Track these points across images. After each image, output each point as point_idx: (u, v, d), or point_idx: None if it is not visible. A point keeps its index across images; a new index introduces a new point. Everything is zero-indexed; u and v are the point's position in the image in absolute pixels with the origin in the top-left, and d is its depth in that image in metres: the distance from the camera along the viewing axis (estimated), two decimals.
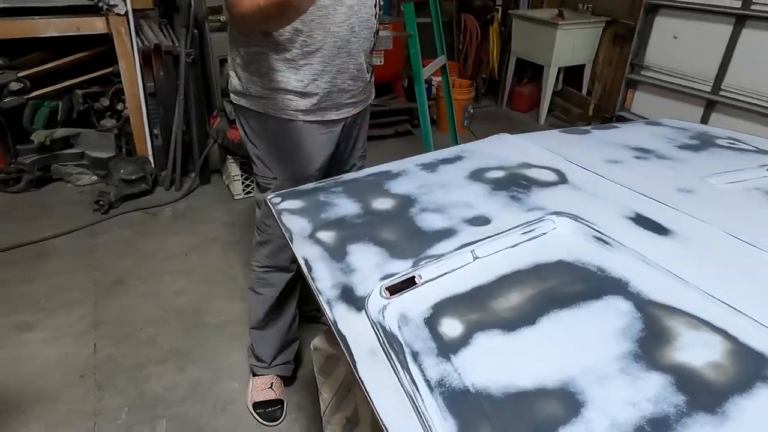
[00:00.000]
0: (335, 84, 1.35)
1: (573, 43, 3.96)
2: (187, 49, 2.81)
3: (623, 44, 3.96)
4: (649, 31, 3.74)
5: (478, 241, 0.86)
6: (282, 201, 1.07)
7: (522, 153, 1.22)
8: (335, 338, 0.72)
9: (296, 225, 0.97)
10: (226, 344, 1.98)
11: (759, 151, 1.25)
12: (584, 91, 4.26)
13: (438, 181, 1.10)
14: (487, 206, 0.98)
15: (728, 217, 0.91)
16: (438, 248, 0.86)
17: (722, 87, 3.37)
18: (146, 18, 3.22)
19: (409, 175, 1.15)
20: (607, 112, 4.17)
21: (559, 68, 4.10)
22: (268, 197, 1.10)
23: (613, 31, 4.01)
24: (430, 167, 1.18)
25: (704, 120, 3.51)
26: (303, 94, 1.34)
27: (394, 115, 3.92)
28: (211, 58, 3.01)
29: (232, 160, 2.89)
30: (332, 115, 1.41)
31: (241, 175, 2.96)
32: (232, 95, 1.43)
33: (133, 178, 2.94)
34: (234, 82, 1.41)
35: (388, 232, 0.92)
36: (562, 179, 1.07)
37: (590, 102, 4.03)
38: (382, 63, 3.72)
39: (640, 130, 1.42)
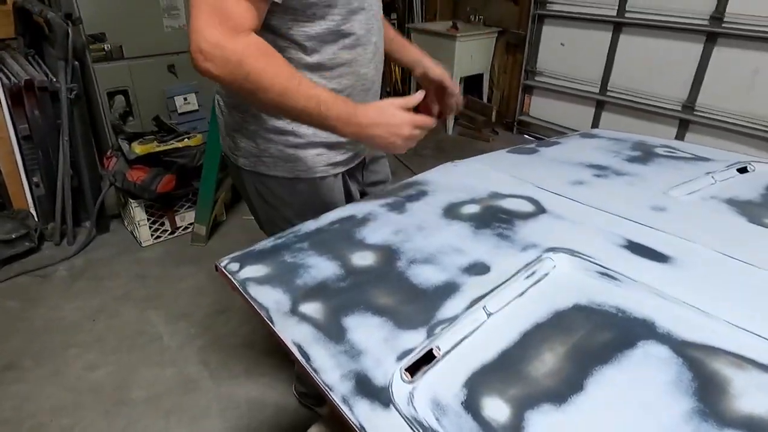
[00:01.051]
0: None
1: (471, 54, 4.10)
2: (69, 84, 2.45)
3: (516, 52, 4.17)
4: (539, 40, 3.98)
5: (485, 295, 0.78)
6: (241, 268, 0.91)
7: (486, 181, 1.17)
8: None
9: (270, 299, 0.83)
10: (162, 421, 1.72)
11: (696, 157, 1.32)
12: (485, 98, 4.43)
13: (413, 224, 1.01)
14: (477, 250, 0.91)
15: (709, 233, 0.93)
16: (446, 309, 0.76)
17: (608, 88, 3.67)
18: (8, 49, 2.79)
19: (378, 218, 1.04)
20: (508, 117, 4.37)
21: (461, 78, 4.22)
22: (222, 264, 0.94)
23: (505, 40, 4.22)
24: (397, 207, 1.09)
25: (596, 118, 3.80)
26: (333, 145, 1.17)
27: None
28: (97, 91, 2.68)
29: (136, 204, 2.58)
30: (356, 159, 1.28)
31: (148, 219, 2.65)
32: (240, 160, 1.20)
33: (13, 237, 2.51)
34: (242, 144, 1.18)
35: (384, 296, 0.81)
36: (540, 208, 1.03)
37: (492, 109, 4.19)
38: None
39: (583, 144, 1.44)
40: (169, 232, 2.74)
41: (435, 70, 1.28)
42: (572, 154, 1.35)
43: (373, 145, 1.03)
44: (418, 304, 0.78)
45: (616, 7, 3.43)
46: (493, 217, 1.01)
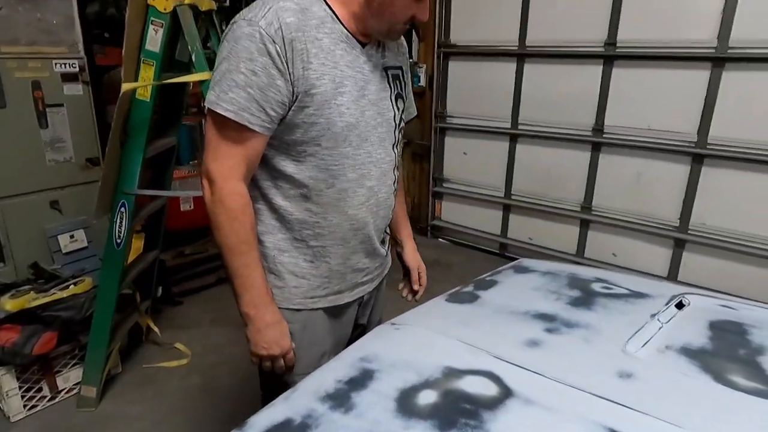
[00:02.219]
0: (349, 265, 1.22)
1: None
2: None
3: (422, 161, 4.34)
4: (442, 150, 4.17)
5: None
6: None
7: (436, 352, 1.04)
8: None
9: None
10: None
11: (633, 293, 1.31)
12: None
13: (365, 429, 0.84)
14: None
15: (687, 407, 0.86)
16: None
17: (512, 192, 3.87)
18: None
19: (321, 424, 0.86)
20: (421, 223, 4.43)
21: None
22: None
23: (411, 150, 4.38)
24: (342, 402, 0.91)
25: (504, 221, 3.96)
26: (313, 278, 1.20)
27: (215, 260, 3.50)
28: None
29: (3, 371, 2.12)
30: (345, 298, 1.26)
31: (20, 387, 2.18)
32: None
33: None
34: None
35: None
36: (504, 389, 0.91)
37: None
38: (192, 208, 3.34)
39: (521, 285, 1.39)
40: (48, 398, 2.28)
41: (408, 256, 1.48)
42: (514, 300, 1.28)
43: (250, 336, 1.13)
44: None
45: (510, 121, 3.72)
46: (457, 410, 0.87)
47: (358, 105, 1.09)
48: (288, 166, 1.10)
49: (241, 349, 2.71)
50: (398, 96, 1.21)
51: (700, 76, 2.92)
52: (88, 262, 2.68)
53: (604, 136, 3.33)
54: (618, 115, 3.26)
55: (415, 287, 1.49)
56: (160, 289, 2.97)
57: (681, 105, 3.01)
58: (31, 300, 2.16)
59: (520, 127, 3.70)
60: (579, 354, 1.03)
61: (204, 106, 1.07)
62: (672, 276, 3.24)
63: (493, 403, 0.88)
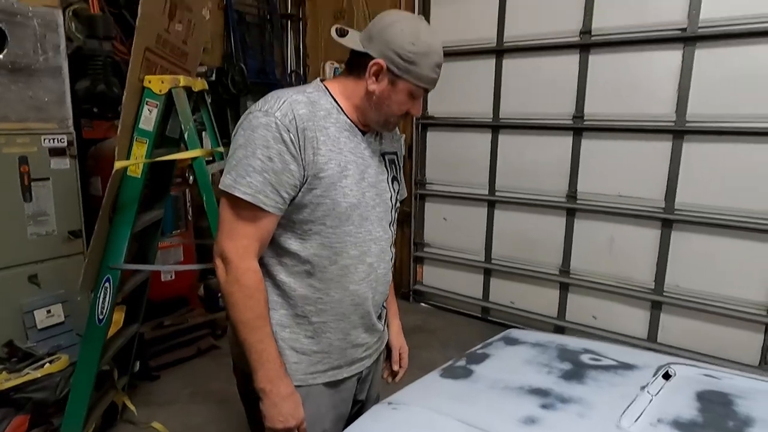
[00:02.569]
0: (349, 340, 1.26)
1: None
2: None
3: (403, 227, 4.41)
4: (423, 215, 4.27)
5: None
6: None
7: None
8: None
9: None
10: None
11: (621, 365, 1.34)
12: None
13: None
14: None
15: None
16: None
17: (492, 257, 3.94)
18: None
19: None
20: (404, 287, 4.44)
21: None
22: None
23: None
24: None
25: (485, 285, 4.00)
26: (313, 353, 1.23)
27: (195, 331, 3.42)
28: None
29: None
30: (344, 373, 1.28)
31: None
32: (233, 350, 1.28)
33: None
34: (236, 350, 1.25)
35: None
36: None
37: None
38: (173, 278, 3.30)
39: (512, 358, 1.42)
40: None
41: (392, 336, 1.49)
42: (507, 374, 1.30)
43: (266, 411, 1.14)
44: None
45: (487, 188, 3.86)
46: None
47: (359, 187, 1.18)
48: (293, 243, 1.16)
49: (225, 427, 2.61)
50: (394, 178, 1.32)
51: (663, 146, 3.12)
52: (65, 338, 2.58)
53: (577, 202, 3.47)
54: (589, 182, 3.42)
55: (395, 368, 1.50)
56: (137, 364, 2.87)
57: (648, 173, 3.19)
58: (3, 381, 2.07)
59: (497, 193, 3.83)
60: (575, 430, 1.05)
61: (218, 188, 1.15)
62: (651, 338, 3.29)
63: None
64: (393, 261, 1.34)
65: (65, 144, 2.57)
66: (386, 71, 1.13)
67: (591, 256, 3.48)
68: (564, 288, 3.63)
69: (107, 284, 2.04)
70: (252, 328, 1.12)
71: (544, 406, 1.13)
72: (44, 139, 2.49)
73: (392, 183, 1.30)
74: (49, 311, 2.57)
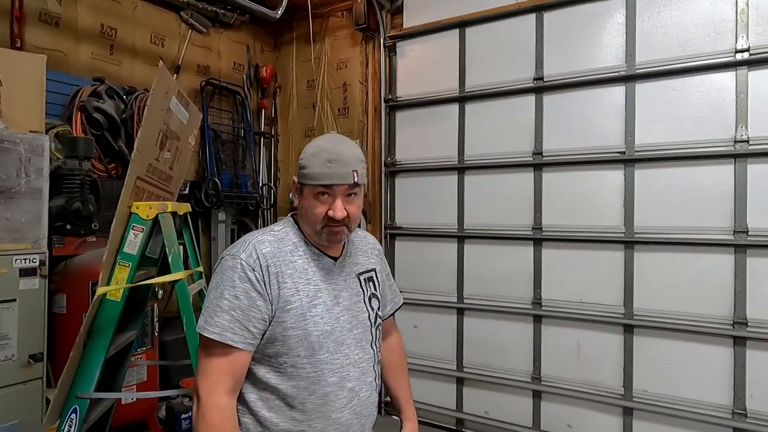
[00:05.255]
0: None
1: None
2: None
3: None
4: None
5: None
6: None
7: None
8: None
9: None
10: None
11: None
12: None
13: None
14: None
15: None
16: None
17: (464, 365, 3.94)
18: None
19: None
20: None
21: None
22: None
23: None
24: None
25: (458, 393, 3.96)
26: None
27: None
28: None
29: None
30: None
31: None
32: None
33: None
34: None
35: None
36: None
37: None
38: (134, 400, 3.12)
39: None
40: None
41: (407, 425, 1.53)
42: None
43: None
44: None
45: (456, 295, 3.96)
46: None
47: (332, 313, 1.23)
48: (271, 378, 1.19)
49: None
50: (372, 296, 1.35)
51: (616, 256, 3.36)
52: None
53: (542, 308, 3.60)
54: (553, 289, 3.58)
55: None
56: None
57: (605, 280, 3.39)
58: None
59: (465, 301, 3.93)
60: None
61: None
62: None
63: None
64: (378, 380, 1.34)
65: (37, 264, 2.54)
66: (297, 184, 1.25)
67: (560, 362, 3.55)
68: (537, 396, 3.63)
69: (73, 415, 1.94)
70: None
71: None
72: (15, 260, 2.46)
73: (370, 301, 1.33)
74: None
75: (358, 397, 1.25)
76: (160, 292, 3.46)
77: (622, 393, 3.31)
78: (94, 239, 3.12)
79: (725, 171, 3.04)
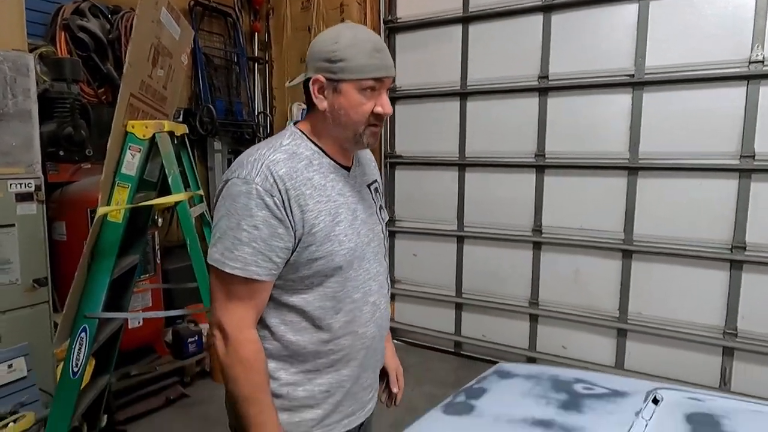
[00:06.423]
0: (360, 383, 1.24)
1: None
2: None
3: None
4: (393, 252, 4.31)
5: None
6: None
7: None
8: None
9: None
10: None
11: (614, 392, 1.41)
12: None
13: None
14: None
15: None
16: None
17: (463, 291, 4.02)
18: None
19: None
20: None
21: None
22: None
23: None
24: None
25: (457, 319, 4.05)
26: (330, 407, 1.19)
27: (163, 380, 3.28)
28: None
29: None
30: (358, 419, 1.26)
31: None
32: (230, 413, 1.23)
33: None
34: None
35: None
36: None
37: None
38: (140, 324, 3.18)
39: (509, 391, 1.46)
40: None
41: (389, 361, 1.45)
42: (508, 408, 1.34)
43: None
44: None
45: (456, 223, 3.97)
46: None
47: (353, 228, 1.16)
48: (295, 301, 1.13)
49: None
50: (381, 208, 1.31)
51: (619, 182, 3.33)
52: (28, 394, 2.42)
53: (543, 235, 3.62)
54: (553, 216, 3.59)
55: (394, 390, 1.46)
56: (105, 418, 2.71)
57: (607, 207, 3.39)
58: None
59: (465, 229, 3.95)
60: None
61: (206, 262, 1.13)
62: (619, 364, 3.42)
63: None
64: (389, 292, 1.34)
65: (33, 188, 2.48)
66: (325, 82, 1.09)
67: (558, 288, 3.61)
68: (534, 319, 3.73)
69: (83, 335, 1.96)
70: (251, 401, 1.09)
71: None
72: (10, 185, 2.40)
73: (380, 212, 1.29)
74: (10, 366, 2.41)
75: (379, 310, 1.24)
76: (160, 220, 3.44)
77: (617, 316, 3.40)
78: (89, 166, 3.05)
79: (737, 94, 2.96)
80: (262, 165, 1.06)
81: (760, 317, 2.99)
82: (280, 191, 1.05)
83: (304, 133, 1.17)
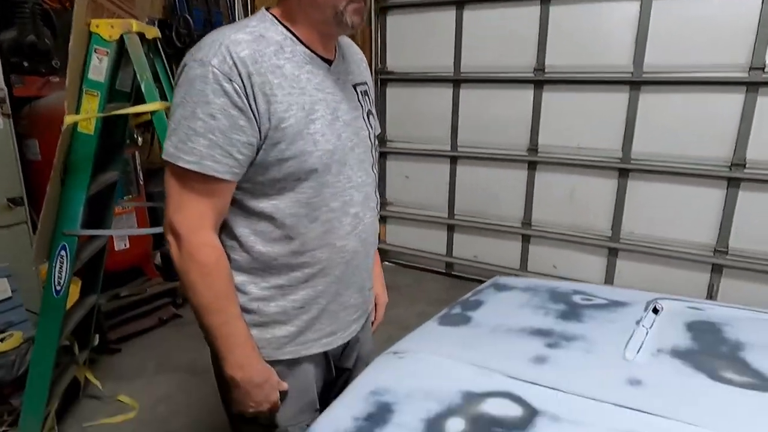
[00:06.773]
0: (341, 302, 1.14)
1: None
2: None
3: None
4: (384, 173, 4.22)
5: None
6: None
7: (449, 378, 1.03)
8: None
9: None
10: None
11: (613, 302, 1.38)
12: None
13: None
14: None
15: (703, 409, 0.91)
16: None
17: (455, 212, 3.98)
18: None
19: None
20: None
21: None
22: None
23: None
24: None
25: (449, 240, 4.04)
26: (304, 323, 1.11)
27: (154, 301, 3.27)
28: None
29: None
30: (339, 340, 1.18)
31: None
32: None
33: None
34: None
35: None
36: (529, 409, 0.92)
37: None
38: (127, 246, 3.11)
39: (506, 303, 1.43)
40: None
41: (375, 290, 1.36)
42: (506, 318, 1.31)
43: (237, 398, 1.07)
44: None
45: (449, 143, 3.84)
46: None
47: (332, 129, 1.03)
48: (265, 207, 1.02)
49: (196, 397, 2.53)
50: (369, 113, 1.16)
51: (620, 98, 3.19)
52: (14, 314, 2.38)
53: (538, 155, 3.53)
54: (550, 135, 3.47)
55: (370, 318, 1.37)
56: (97, 337, 2.71)
57: (605, 124, 3.27)
58: None
59: (459, 149, 3.83)
60: (585, 366, 1.07)
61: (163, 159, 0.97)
62: (608, 282, 3.46)
63: (522, 424, 0.89)
64: (378, 207, 1.22)
65: None
66: None
67: (552, 208, 3.57)
68: (526, 240, 3.72)
69: (63, 253, 1.88)
70: (213, 310, 0.99)
71: (550, 345, 1.15)
72: None
73: (368, 118, 1.15)
74: None
75: (362, 223, 1.12)
76: (139, 139, 3.28)
77: (610, 235, 3.39)
78: (57, 80, 2.83)
79: (754, 2, 2.76)
80: (220, 45, 0.92)
81: (753, 235, 2.98)
82: (240, 75, 0.91)
83: (275, 17, 1.01)
